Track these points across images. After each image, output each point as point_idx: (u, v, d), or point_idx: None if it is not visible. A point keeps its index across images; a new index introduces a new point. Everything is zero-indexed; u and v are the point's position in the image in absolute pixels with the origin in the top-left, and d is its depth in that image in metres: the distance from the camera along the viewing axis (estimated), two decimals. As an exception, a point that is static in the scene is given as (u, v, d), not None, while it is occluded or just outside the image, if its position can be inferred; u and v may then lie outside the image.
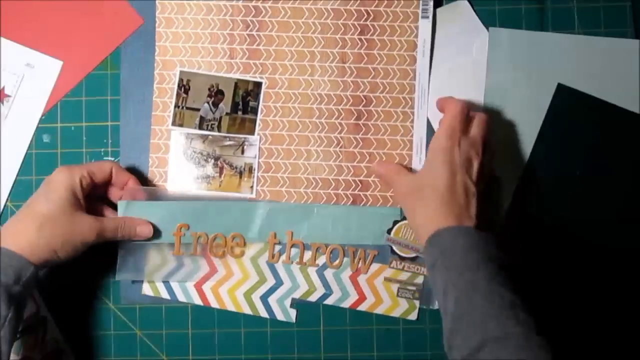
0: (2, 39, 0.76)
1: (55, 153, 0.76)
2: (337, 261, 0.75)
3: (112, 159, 0.76)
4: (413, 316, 0.76)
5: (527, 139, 0.76)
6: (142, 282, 0.75)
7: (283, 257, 0.75)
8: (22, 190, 0.75)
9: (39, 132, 0.76)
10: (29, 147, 0.76)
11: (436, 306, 0.75)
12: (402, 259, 0.75)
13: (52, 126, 0.76)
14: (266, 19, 0.76)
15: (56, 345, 0.74)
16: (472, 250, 0.61)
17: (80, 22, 0.76)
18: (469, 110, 0.69)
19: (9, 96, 0.75)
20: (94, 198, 0.71)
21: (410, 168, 0.75)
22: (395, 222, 0.75)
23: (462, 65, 0.76)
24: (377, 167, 0.75)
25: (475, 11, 0.76)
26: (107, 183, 0.72)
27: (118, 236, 0.70)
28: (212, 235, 0.74)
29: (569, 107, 0.75)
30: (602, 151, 0.76)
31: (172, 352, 0.76)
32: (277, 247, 0.75)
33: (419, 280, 0.75)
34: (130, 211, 0.72)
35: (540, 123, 0.75)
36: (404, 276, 0.75)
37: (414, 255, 0.75)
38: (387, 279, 0.75)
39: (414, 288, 0.75)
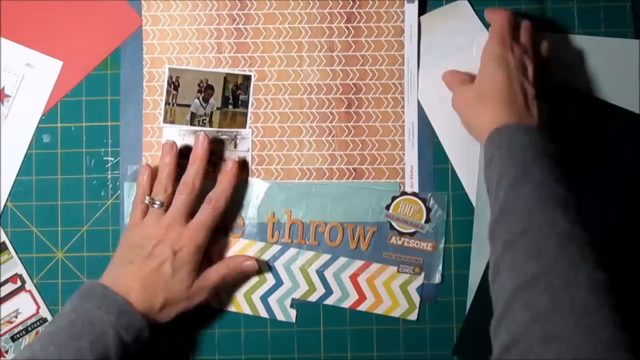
0: (2, 39, 0.76)
1: (55, 153, 0.76)
2: (337, 239, 0.75)
3: (112, 159, 0.76)
4: (413, 316, 0.75)
5: None
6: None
7: (283, 238, 0.76)
8: (22, 191, 0.76)
9: (39, 132, 0.76)
10: (29, 147, 0.76)
11: (437, 280, 0.75)
12: (401, 234, 0.75)
13: (52, 126, 0.76)
14: (252, 12, 0.76)
15: (57, 345, 0.74)
16: (531, 146, 0.61)
17: (80, 22, 0.76)
18: (515, 18, 0.70)
19: (9, 96, 0.76)
20: None
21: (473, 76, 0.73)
22: (394, 198, 0.75)
23: (462, 65, 0.76)
24: (444, 75, 0.75)
25: (475, 11, 0.76)
26: None
27: (227, 274, 0.71)
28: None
29: (570, 105, 0.75)
30: (601, 151, 0.75)
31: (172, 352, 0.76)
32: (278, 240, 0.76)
33: (420, 255, 0.75)
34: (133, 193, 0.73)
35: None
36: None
37: (413, 230, 0.75)
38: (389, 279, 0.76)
39: (415, 263, 0.75)
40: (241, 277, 0.74)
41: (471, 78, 0.72)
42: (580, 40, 0.76)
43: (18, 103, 0.76)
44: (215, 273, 0.70)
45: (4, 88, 0.76)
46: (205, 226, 0.69)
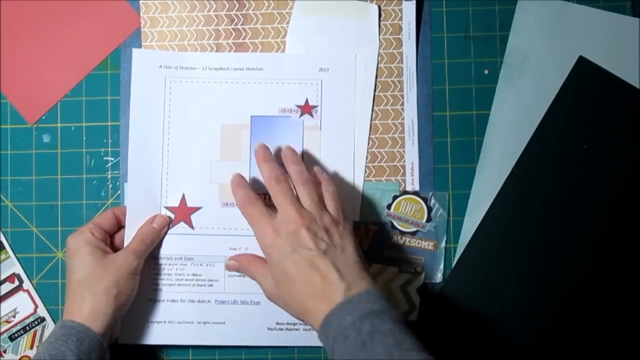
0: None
1: (55, 153, 0.76)
2: None
3: (112, 159, 0.76)
4: (413, 317, 0.74)
5: (540, 105, 0.75)
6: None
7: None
8: (22, 191, 0.76)
9: (39, 132, 0.77)
10: (29, 147, 0.77)
11: (438, 280, 0.74)
12: (403, 233, 0.74)
13: (52, 126, 0.77)
14: (250, 12, 0.76)
15: (55, 345, 0.74)
16: (362, 324, 0.57)
17: (80, 22, 0.77)
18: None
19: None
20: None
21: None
22: (395, 197, 0.74)
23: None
24: (231, 263, 0.72)
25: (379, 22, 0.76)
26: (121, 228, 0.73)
27: (148, 244, 0.71)
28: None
29: (587, 81, 0.75)
30: (614, 129, 0.74)
31: (172, 353, 0.76)
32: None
33: (421, 254, 0.74)
34: None
35: (556, 92, 0.75)
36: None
37: (414, 229, 0.74)
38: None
39: (416, 262, 0.74)
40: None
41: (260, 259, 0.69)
42: (607, 17, 0.76)
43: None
44: (134, 240, 0.71)
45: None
46: None
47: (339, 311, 0.58)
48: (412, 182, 0.75)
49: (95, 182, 0.76)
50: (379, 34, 0.75)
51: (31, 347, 0.74)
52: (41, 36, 0.77)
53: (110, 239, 0.72)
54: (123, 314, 0.69)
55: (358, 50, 0.75)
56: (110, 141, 0.76)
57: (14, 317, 0.74)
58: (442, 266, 0.74)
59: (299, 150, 0.73)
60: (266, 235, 0.63)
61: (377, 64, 0.75)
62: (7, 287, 0.75)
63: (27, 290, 0.75)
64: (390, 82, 0.76)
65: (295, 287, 0.61)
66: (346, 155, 0.74)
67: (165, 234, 0.73)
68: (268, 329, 0.73)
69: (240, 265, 0.70)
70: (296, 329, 0.73)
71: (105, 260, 0.67)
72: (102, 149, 0.76)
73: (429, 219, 0.75)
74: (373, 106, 0.75)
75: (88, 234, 0.69)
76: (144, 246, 0.70)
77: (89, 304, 0.65)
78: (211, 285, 0.73)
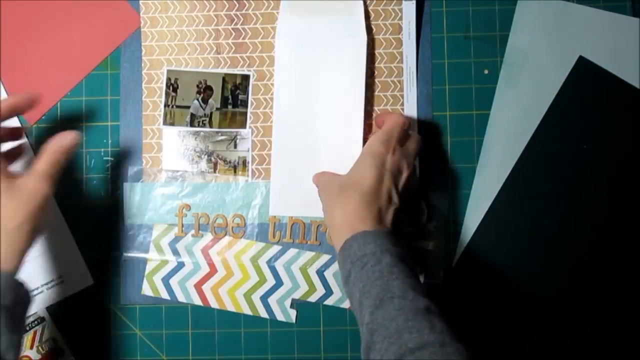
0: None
1: (55, 153, 0.77)
2: None
3: (112, 159, 0.76)
4: (413, 316, 0.74)
5: (540, 105, 0.75)
6: (142, 281, 0.75)
7: (285, 238, 0.76)
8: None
9: (39, 132, 0.77)
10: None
11: (439, 279, 0.75)
12: (403, 234, 0.73)
13: (52, 126, 0.77)
14: (250, 12, 0.76)
15: (55, 345, 0.74)
16: (383, 255, 0.59)
17: (80, 22, 0.77)
18: (409, 126, 0.69)
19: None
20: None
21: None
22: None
23: (319, 58, 0.76)
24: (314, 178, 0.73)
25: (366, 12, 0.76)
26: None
27: (58, 159, 0.63)
28: (214, 215, 0.75)
29: (587, 81, 0.75)
30: (614, 129, 0.75)
31: (172, 352, 0.76)
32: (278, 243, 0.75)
33: (421, 254, 0.75)
34: (134, 193, 0.75)
35: (556, 91, 0.75)
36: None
37: (414, 229, 0.75)
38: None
39: (417, 262, 0.74)
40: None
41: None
42: (608, 17, 0.76)
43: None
44: (41, 159, 0.63)
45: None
46: None
47: (363, 237, 0.60)
48: (412, 182, 0.75)
49: (95, 182, 0.76)
50: (366, 30, 0.75)
51: (31, 347, 0.74)
52: (41, 36, 0.77)
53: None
54: None
55: (346, 48, 0.74)
56: (110, 141, 0.76)
57: (14, 317, 0.74)
58: (442, 266, 0.74)
59: None
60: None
61: (367, 61, 0.74)
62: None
63: (27, 291, 0.75)
64: (390, 82, 0.76)
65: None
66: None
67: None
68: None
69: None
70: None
71: (12, 189, 0.59)
72: (102, 149, 0.76)
73: (429, 219, 0.75)
74: (366, 105, 0.75)
75: None
76: (57, 168, 0.63)
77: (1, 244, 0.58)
78: None
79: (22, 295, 0.59)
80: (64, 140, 0.65)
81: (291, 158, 0.75)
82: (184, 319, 0.76)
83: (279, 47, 0.75)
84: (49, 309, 0.75)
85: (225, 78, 0.76)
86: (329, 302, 0.75)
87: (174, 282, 0.75)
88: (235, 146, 0.76)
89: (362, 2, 0.75)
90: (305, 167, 0.74)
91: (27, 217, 0.59)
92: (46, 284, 0.74)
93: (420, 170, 0.75)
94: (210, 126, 0.76)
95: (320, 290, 0.75)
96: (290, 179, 0.74)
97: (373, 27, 0.76)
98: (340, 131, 0.74)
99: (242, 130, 0.76)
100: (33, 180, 0.61)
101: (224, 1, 0.76)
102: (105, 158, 0.76)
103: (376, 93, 0.76)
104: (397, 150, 0.66)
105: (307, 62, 0.74)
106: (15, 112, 0.65)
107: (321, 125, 0.74)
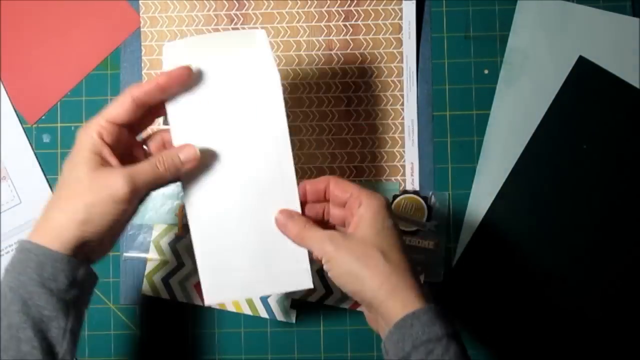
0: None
1: (55, 153, 0.76)
2: None
3: (110, 162, 0.76)
4: (413, 316, 0.74)
5: (540, 105, 0.75)
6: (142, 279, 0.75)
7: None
8: (21, 191, 0.76)
9: (38, 132, 0.77)
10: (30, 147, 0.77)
11: (439, 278, 0.75)
12: (403, 233, 0.74)
13: (52, 126, 0.77)
14: (250, 12, 0.76)
15: (56, 345, 0.74)
16: (450, 344, 0.51)
17: (80, 22, 0.77)
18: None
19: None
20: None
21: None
22: (395, 197, 0.75)
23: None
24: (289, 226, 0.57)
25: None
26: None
27: (161, 174, 0.54)
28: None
29: (587, 81, 0.75)
30: (613, 129, 0.75)
31: (172, 352, 0.76)
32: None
33: (422, 253, 0.74)
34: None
35: (556, 91, 0.75)
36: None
37: (414, 228, 0.74)
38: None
39: (417, 261, 0.74)
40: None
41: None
42: (608, 17, 0.76)
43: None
44: (146, 161, 0.55)
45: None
46: None
47: (425, 315, 0.52)
48: (412, 182, 0.75)
49: (95, 182, 0.76)
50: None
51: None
52: (41, 36, 0.77)
53: (124, 131, 0.56)
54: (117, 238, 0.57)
55: (256, 85, 0.57)
56: (110, 141, 0.76)
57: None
58: (442, 266, 0.74)
59: None
60: None
61: (283, 97, 0.57)
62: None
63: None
64: (390, 82, 0.76)
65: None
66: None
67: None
68: None
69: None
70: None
71: (92, 174, 0.52)
72: (102, 149, 0.76)
73: (429, 219, 0.75)
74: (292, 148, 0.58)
75: (95, 135, 0.53)
76: (153, 176, 0.54)
77: (52, 221, 0.52)
78: None
79: (77, 279, 0.53)
80: (181, 154, 0.55)
81: (218, 223, 0.57)
82: (184, 319, 0.76)
83: (171, 113, 0.57)
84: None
85: (225, 78, 0.76)
86: (329, 302, 0.75)
87: (174, 282, 0.75)
88: (235, 146, 0.76)
89: (263, 32, 0.60)
90: (241, 230, 0.58)
91: (83, 206, 0.52)
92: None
93: (421, 170, 0.75)
94: (211, 126, 0.76)
95: (320, 290, 0.75)
96: (225, 251, 0.57)
97: (373, 27, 0.76)
98: (268, 180, 0.58)
99: (242, 130, 0.76)
100: (115, 174, 0.53)
101: (224, 1, 0.76)
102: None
103: (376, 93, 0.76)
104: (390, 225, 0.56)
105: (211, 122, 0.57)
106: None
107: (244, 180, 0.57)
